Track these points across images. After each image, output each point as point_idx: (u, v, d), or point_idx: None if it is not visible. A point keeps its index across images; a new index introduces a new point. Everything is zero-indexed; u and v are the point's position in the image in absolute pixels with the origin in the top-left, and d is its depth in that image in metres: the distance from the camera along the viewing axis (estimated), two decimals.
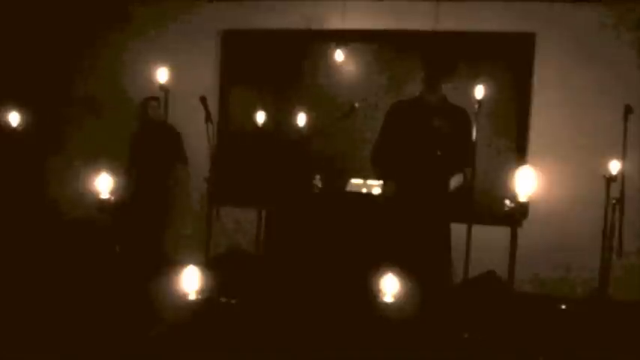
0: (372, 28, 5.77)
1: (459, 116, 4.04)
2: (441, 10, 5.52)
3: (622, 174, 4.35)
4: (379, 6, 5.69)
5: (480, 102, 4.56)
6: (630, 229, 4.54)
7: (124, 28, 6.11)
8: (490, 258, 4.37)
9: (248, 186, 5.63)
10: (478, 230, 4.71)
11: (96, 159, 4.76)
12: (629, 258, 4.72)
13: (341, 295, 4.14)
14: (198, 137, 4.69)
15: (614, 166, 4.38)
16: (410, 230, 3.89)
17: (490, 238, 4.72)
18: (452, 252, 4.06)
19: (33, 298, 4.06)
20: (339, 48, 5.71)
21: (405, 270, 3.16)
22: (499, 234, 3.98)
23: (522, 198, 2.81)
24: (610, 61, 5.29)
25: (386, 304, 2.84)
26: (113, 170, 3.47)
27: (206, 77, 5.99)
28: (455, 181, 3.96)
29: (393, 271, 2.91)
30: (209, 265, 4.40)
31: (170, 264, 4.23)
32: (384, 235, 3.99)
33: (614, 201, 4.33)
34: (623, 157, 4.34)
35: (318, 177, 4.95)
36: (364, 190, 4.78)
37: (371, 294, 2.94)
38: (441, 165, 3.90)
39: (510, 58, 5.63)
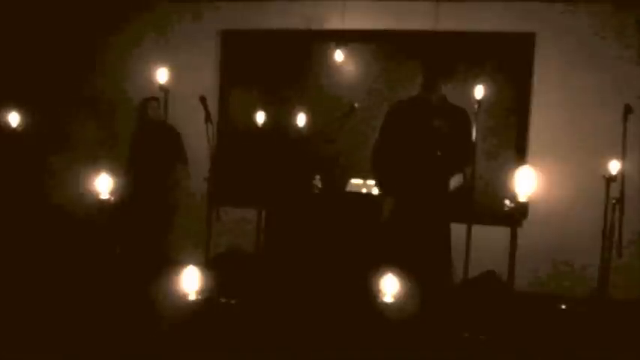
0: (372, 28, 5.77)
1: (459, 116, 4.04)
2: (440, 10, 5.52)
3: (622, 174, 4.35)
4: (379, 6, 5.69)
5: (479, 102, 4.57)
6: (630, 229, 4.54)
7: (124, 29, 6.10)
8: (490, 258, 4.37)
9: (248, 186, 5.63)
10: (478, 230, 4.71)
11: (96, 159, 4.77)
12: (629, 258, 4.72)
13: (341, 295, 4.14)
14: (198, 137, 4.69)
15: (614, 166, 4.38)
16: (410, 230, 3.89)
17: (490, 238, 4.72)
18: (452, 252, 4.06)
19: (33, 298, 4.06)
20: (339, 48, 5.71)
21: (405, 270, 3.17)
22: (499, 234, 3.98)
23: (522, 198, 2.81)
24: (610, 61, 5.29)
25: (386, 304, 2.84)
26: (113, 171, 3.47)
27: (206, 77, 5.99)
28: (455, 181, 3.97)
29: (392, 272, 2.92)
30: (209, 266, 4.41)
31: (170, 264, 4.22)
32: (384, 236, 3.99)
33: (613, 201, 4.33)
34: (622, 157, 4.34)
35: (318, 177, 4.95)
36: (364, 190, 4.78)
37: (371, 294, 2.95)
38: (440, 165, 3.90)
39: (510, 59, 5.63)
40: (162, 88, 5.24)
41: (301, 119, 5.34)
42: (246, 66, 6.12)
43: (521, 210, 2.82)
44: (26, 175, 5.69)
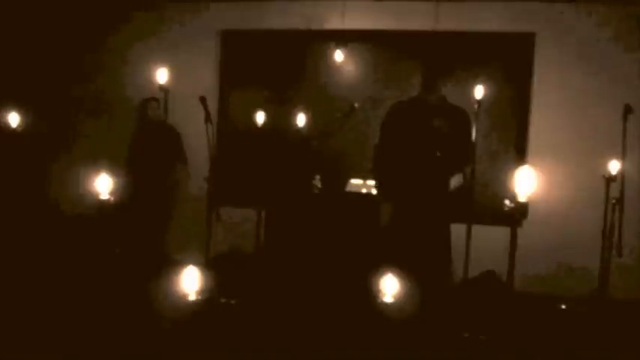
0: (372, 28, 5.77)
1: (459, 116, 4.04)
2: (440, 10, 5.52)
3: (622, 174, 4.35)
4: (379, 6, 5.69)
5: (479, 102, 4.57)
6: (630, 228, 4.54)
7: (124, 29, 6.10)
8: (490, 258, 4.37)
9: (248, 186, 5.62)
10: (478, 230, 4.71)
11: (96, 160, 4.77)
12: (629, 258, 4.72)
13: (341, 295, 4.14)
14: (197, 137, 4.69)
15: (614, 166, 4.38)
16: (410, 230, 3.89)
17: (490, 238, 4.72)
18: (452, 252, 4.06)
19: (34, 298, 4.06)
20: (339, 48, 5.71)
21: (405, 270, 3.17)
22: (499, 234, 3.98)
23: (522, 198, 2.81)
24: (610, 61, 5.29)
25: (386, 304, 2.85)
26: (113, 171, 3.47)
27: (206, 77, 5.99)
28: (455, 181, 3.97)
29: (392, 272, 2.92)
30: (209, 266, 4.41)
31: (170, 264, 4.22)
32: (385, 236, 3.99)
33: (613, 201, 4.33)
34: (622, 157, 4.34)
35: (317, 177, 4.95)
36: (364, 191, 4.78)
37: (371, 294, 2.95)
38: (440, 165, 3.90)
39: (510, 59, 5.63)
40: (162, 88, 5.24)
41: (301, 119, 5.34)
42: (246, 66, 6.12)
43: (521, 210, 2.82)
44: (26, 176, 5.69)
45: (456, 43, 5.56)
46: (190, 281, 2.55)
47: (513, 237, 2.95)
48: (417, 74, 4.26)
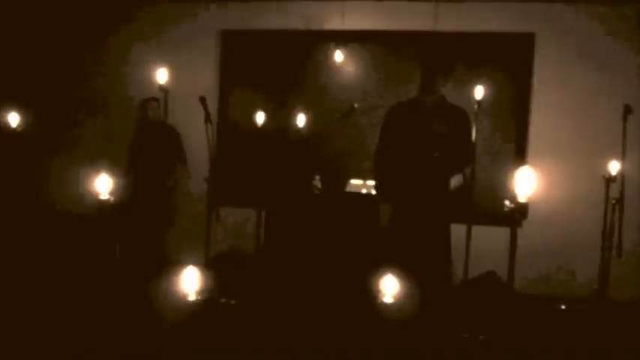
0: (372, 28, 5.77)
1: (459, 116, 4.04)
2: (440, 10, 5.53)
3: (621, 174, 4.35)
4: (379, 7, 5.69)
5: (479, 102, 4.57)
6: (630, 229, 4.54)
7: (124, 29, 6.10)
8: (490, 258, 4.37)
9: (248, 186, 5.62)
10: (478, 231, 4.71)
11: (96, 160, 4.77)
12: (628, 258, 4.72)
13: (341, 295, 4.14)
14: (197, 138, 4.69)
15: (614, 167, 4.39)
16: (410, 231, 3.89)
17: (490, 238, 4.72)
18: (452, 252, 4.06)
19: (33, 298, 4.06)
20: (339, 48, 5.71)
21: (404, 270, 3.17)
22: (499, 234, 3.98)
23: (522, 198, 2.81)
24: (609, 61, 5.29)
25: (386, 304, 2.85)
26: (113, 171, 3.47)
27: (206, 78, 5.99)
28: (455, 181, 3.97)
29: (392, 272, 2.92)
30: (209, 266, 4.40)
31: (170, 264, 4.22)
32: (385, 236, 3.99)
33: (613, 201, 4.33)
34: (622, 157, 4.34)
35: (317, 177, 4.95)
36: (364, 191, 4.78)
37: (371, 295, 2.95)
38: (439, 166, 3.90)
39: (510, 59, 5.63)
40: (162, 88, 5.24)
41: (301, 119, 5.34)
42: (246, 66, 6.12)
43: (521, 210, 2.82)
44: (26, 176, 5.69)
45: (456, 44, 5.56)
46: (190, 281, 2.55)
47: (513, 237, 2.95)
48: (417, 75, 4.26)
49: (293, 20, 5.82)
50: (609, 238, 4.37)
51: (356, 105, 5.01)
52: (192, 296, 2.54)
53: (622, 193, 4.32)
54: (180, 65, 5.59)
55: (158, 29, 6.05)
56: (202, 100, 4.45)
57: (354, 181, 4.90)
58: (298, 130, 5.35)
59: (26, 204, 5.63)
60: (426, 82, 3.97)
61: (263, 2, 5.90)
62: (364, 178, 4.83)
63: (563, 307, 4.74)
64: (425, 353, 3.36)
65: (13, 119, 4.84)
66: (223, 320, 3.86)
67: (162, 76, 5.22)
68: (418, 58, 5.51)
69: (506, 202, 2.88)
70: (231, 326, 3.80)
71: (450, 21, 5.53)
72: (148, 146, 5.24)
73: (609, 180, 4.37)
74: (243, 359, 3.35)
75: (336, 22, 5.70)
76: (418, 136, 3.93)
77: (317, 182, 4.93)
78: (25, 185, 5.68)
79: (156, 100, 5.27)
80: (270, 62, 6.05)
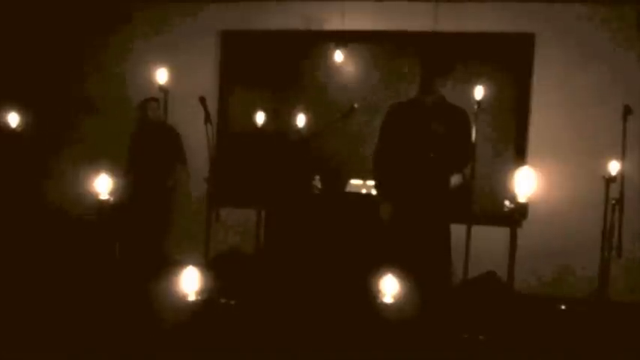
0: (372, 28, 5.77)
1: (458, 116, 4.04)
2: (440, 10, 5.52)
3: (621, 174, 4.35)
4: (378, 7, 5.69)
5: (479, 102, 4.57)
6: (630, 229, 4.54)
7: (123, 29, 6.10)
8: (490, 258, 4.37)
9: (248, 187, 5.62)
10: (478, 231, 4.71)
11: (96, 160, 4.77)
12: (628, 258, 4.73)
13: (341, 295, 4.14)
14: (197, 138, 4.69)
15: (614, 167, 4.38)
16: (410, 232, 3.89)
17: (490, 238, 4.72)
18: (452, 252, 4.06)
19: (33, 298, 4.06)
20: (339, 48, 5.71)
21: (405, 270, 3.17)
22: (499, 234, 3.98)
23: (522, 199, 2.81)
24: (609, 61, 5.30)
25: (386, 304, 2.85)
26: (113, 171, 3.47)
27: (205, 78, 5.99)
28: (454, 180, 3.97)
29: (392, 272, 2.92)
30: (209, 266, 4.40)
31: (170, 264, 4.22)
32: (384, 237, 3.99)
33: (613, 201, 4.33)
34: (622, 157, 4.34)
35: (317, 178, 4.95)
36: (364, 191, 4.78)
37: (371, 295, 2.95)
38: (437, 167, 3.90)
39: (510, 59, 5.63)
40: (161, 88, 5.24)
41: (301, 120, 5.34)
42: (246, 66, 6.12)
43: (521, 210, 2.82)
44: (26, 176, 5.69)
45: (456, 44, 5.56)
46: (190, 282, 2.55)
47: (513, 237, 2.95)
48: (417, 75, 4.26)
49: (293, 20, 5.82)
50: (609, 239, 4.37)
51: (356, 105, 5.01)
52: (192, 296, 2.54)
53: (622, 193, 4.32)
54: (180, 65, 5.59)
55: (158, 29, 6.05)
56: (202, 100, 4.45)
57: (354, 181, 4.90)
58: (298, 130, 5.35)
59: (26, 204, 5.63)
60: (426, 82, 3.97)
61: (263, 2, 5.90)
62: (364, 178, 4.83)
63: (563, 307, 4.74)
64: (425, 353, 3.36)
65: (13, 119, 4.84)
66: (223, 320, 3.86)
67: (162, 76, 5.23)
68: (418, 58, 5.51)
69: (506, 203, 2.88)
70: (231, 326, 3.80)
71: (450, 21, 5.53)
72: (148, 146, 5.24)
73: (609, 180, 4.37)
74: (243, 359, 3.35)
75: (336, 22, 5.70)
76: (417, 136, 3.93)
77: (317, 182, 4.92)
78: (25, 185, 5.68)
79: (156, 100, 5.28)
80: (270, 62, 6.05)
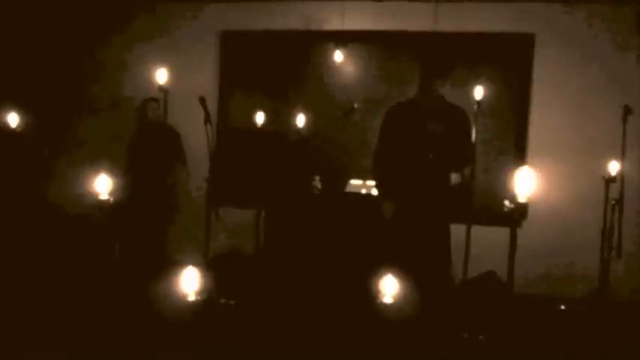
0: (372, 29, 5.77)
1: (457, 116, 4.04)
2: (440, 11, 5.53)
3: (621, 175, 4.36)
4: (378, 7, 5.69)
5: (479, 102, 4.57)
6: (629, 229, 4.55)
7: (124, 30, 6.10)
8: (490, 258, 4.37)
9: (248, 187, 5.62)
10: (478, 231, 4.71)
11: (95, 160, 4.77)
12: (628, 258, 4.72)
13: (341, 296, 4.14)
14: (197, 138, 4.69)
15: (614, 167, 4.39)
16: (410, 232, 3.89)
17: (490, 238, 4.72)
18: (452, 252, 4.06)
19: (33, 298, 4.06)
20: (339, 48, 5.71)
21: (405, 270, 3.17)
22: (499, 234, 3.98)
23: (522, 199, 2.81)
24: (609, 62, 5.30)
25: (385, 304, 2.85)
26: (112, 171, 3.47)
27: (205, 78, 5.99)
28: (452, 179, 3.98)
29: (392, 272, 2.92)
30: (208, 266, 4.40)
31: (170, 264, 4.22)
32: (384, 237, 3.99)
33: (613, 202, 4.33)
34: (622, 157, 4.34)
35: (317, 178, 4.95)
36: (364, 191, 4.78)
37: (371, 295, 2.95)
38: (436, 167, 3.90)
39: (509, 59, 5.63)
40: (161, 88, 5.23)
41: (301, 120, 5.34)
42: (246, 67, 6.12)
43: (521, 210, 2.82)
44: (26, 176, 5.68)
45: (456, 44, 5.56)
46: (190, 282, 2.55)
47: (513, 237, 2.95)
48: (417, 75, 4.27)
49: (293, 20, 5.82)
50: (609, 239, 4.38)
51: (356, 105, 5.01)
52: (191, 296, 2.54)
53: (621, 193, 4.32)
54: (180, 66, 5.59)
55: (158, 29, 6.05)
56: (202, 100, 4.45)
57: (354, 182, 4.91)
58: (298, 130, 5.35)
59: (26, 204, 5.62)
60: (425, 82, 3.97)
61: (263, 2, 5.90)
62: (364, 178, 4.84)
63: (562, 307, 4.74)
64: (425, 353, 3.36)
65: (13, 119, 4.84)
66: (223, 320, 3.86)
67: (162, 76, 5.22)
68: (418, 58, 5.51)
69: (506, 203, 2.88)
70: (231, 326, 3.80)
71: (450, 21, 5.53)
72: (148, 147, 5.24)
73: (609, 180, 4.38)
74: (243, 359, 3.35)
75: (336, 22, 5.70)
76: (416, 136, 3.93)
77: (317, 182, 4.93)
78: (25, 186, 5.68)
79: (156, 100, 5.27)
80: (270, 62, 6.05)
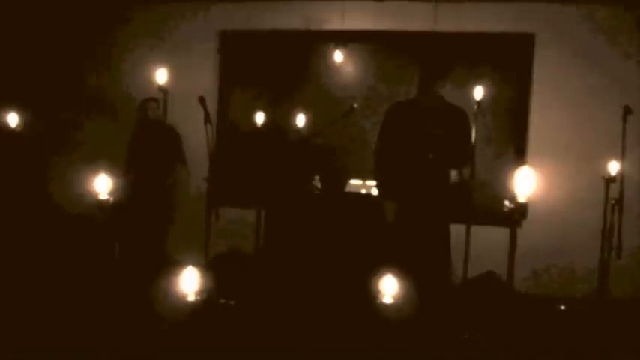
0: (372, 29, 5.77)
1: (457, 116, 4.04)
2: (440, 11, 5.53)
3: (621, 175, 4.36)
4: (378, 7, 5.69)
5: (479, 103, 4.57)
6: (629, 229, 4.54)
7: (124, 30, 6.10)
8: (490, 258, 4.37)
9: (247, 187, 5.62)
10: (478, 231, 4.71)
11: (95, 160, 4.77)
12: (628, 258, 4.72)
13: (340, 296, 4.14)
14: (197, 138, 4.68)
15: (613, 167, 4.39)
16: (410, 232, 3.89)
17: (489, 238, 4.72)
18: (452, 252, 4.06)
19: (33, 298, 4.06)
20: (339, 49, 5.71)
21: (404, 271, 3.17)
22: (498, 234, 3.99)
23: (521, 199, 2.81)
24: (609, 62, 5.30)
25: (385, 304, 2.85)
26: (112, 171, 3.47)
27: (205, 78, 5.99)
28: (452, 176, 3.98)
29: (392, 272, 2.92)
30: (208, 266, 4.40)
31: (170, 264, 4.22)
32: (384, 237, 3.99)
33: (613, 202, 4.33)
34: (622, 158, 4.34)
35: (317, 178, 4.95)
36: (364, 191, 4.78)
37: (371, 295, 2.95)
38: (435, 167, 3.90)
39: (509, 59, 5.63)
40: (161, 88, 5.24)
41: (301, 120, 5.34)
42: (246, 66, 6.12)
43: (521, 210, 2.82)
44: (26, 176, 5.69)
45: (456, 44, 5.56)
46: (190, 282, 2.55)
47: (513, 237, 2.96)
48: (417, 75, 4.27)
49: (293, 20, 5.82)
50: (609, 239, 4.38)
51: (356, 105, 5.01)
52: (191, 296, 2.54)
53: (621, 193, 4.32)
54: (180, 65, 5.59)
55: (158, 29, 6.05)
56: (202, 100, 4.45)
57: (354, 182, 4.90)
58: (298, 130, 5.35)
59: (26, 204, 5.63)
60: (425, 82, 3.97)
61: (263, 2, 5.90)
62: (364, 178, 4.83)
63: (562, 307, 4.74)
64: (425, 353, 3.36)
65: (13, 119, 4.84)
66: (223, 320, 3.86)
67: (161, 76, 5.22)
68: (418, 58, 5.51)
69: (506, 203, 2.88)
70: (231, 326, 3.80)
71: (450, 21, 5.53)
72: (148, 146, 5.23)
73: (609, 180, 4.38)
74: (243, 359, 3.35)
75: (336, 22, 5.70)
76: (416, 136, 3.93)
77: (317, 182, 4.93)
78: (25, 185, 5.68)
79: (155, 100, 5.27)
80: (270, 62, 6.05)
